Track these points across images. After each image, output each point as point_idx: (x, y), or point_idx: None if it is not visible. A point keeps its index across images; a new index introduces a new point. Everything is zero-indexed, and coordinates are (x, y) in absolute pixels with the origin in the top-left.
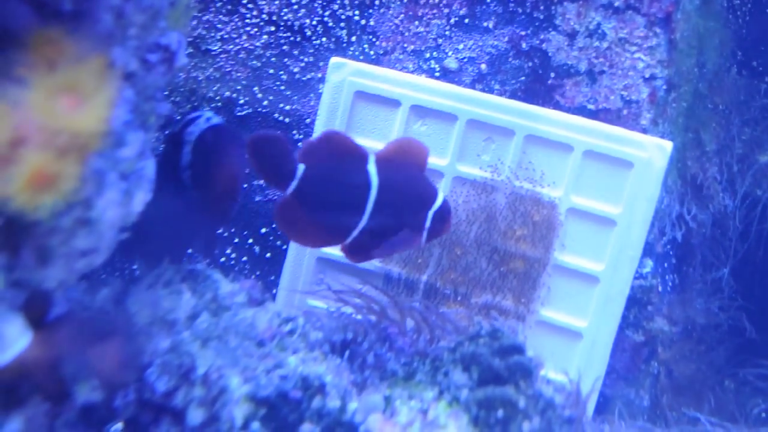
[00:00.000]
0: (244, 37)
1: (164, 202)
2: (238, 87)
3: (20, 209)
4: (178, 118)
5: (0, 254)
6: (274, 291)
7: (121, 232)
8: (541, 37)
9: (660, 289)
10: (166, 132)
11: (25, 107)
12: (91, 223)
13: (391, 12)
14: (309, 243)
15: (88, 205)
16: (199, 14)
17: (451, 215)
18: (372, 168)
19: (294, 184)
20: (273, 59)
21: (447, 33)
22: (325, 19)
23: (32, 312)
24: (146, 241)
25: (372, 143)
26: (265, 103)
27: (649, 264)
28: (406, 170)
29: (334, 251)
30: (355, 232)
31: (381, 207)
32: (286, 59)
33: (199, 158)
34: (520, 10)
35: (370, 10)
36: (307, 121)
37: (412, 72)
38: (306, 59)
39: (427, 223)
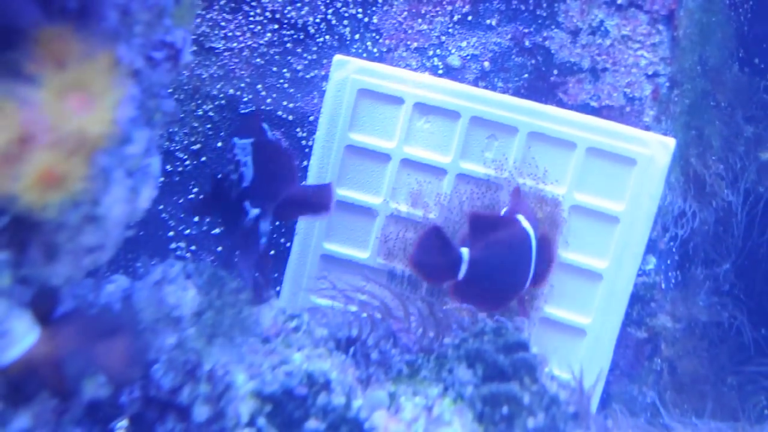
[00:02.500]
0: (248, 34)
1: None
2: (242, 85)
3: (28, 207)
4: None
5: (7, 251)
6: (278, 288)
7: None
8: (544, 34)
9: (663, 286)
10: None
11: (34, 105)
12: (97, 220)
13: (394, 9)
14: (492, 310)
15: (94, 202)
16: (203, 12)
17: (550, 247)
18: (526, 224)
19: (464, 268)
20: (276, 57)
21: (450, 30)
22: (329, 16)
23: (39, 309)
24: None
25: (375, 140)
26: (269, 100)
27: (652, 261)
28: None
29: (338, 248)
30: (528, 285)
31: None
32: (289, 57)
33: None
34: (523, 8)
35: (374, 8)
36: (311, 118)
37: (416, 69)
38: (309, 57)
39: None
